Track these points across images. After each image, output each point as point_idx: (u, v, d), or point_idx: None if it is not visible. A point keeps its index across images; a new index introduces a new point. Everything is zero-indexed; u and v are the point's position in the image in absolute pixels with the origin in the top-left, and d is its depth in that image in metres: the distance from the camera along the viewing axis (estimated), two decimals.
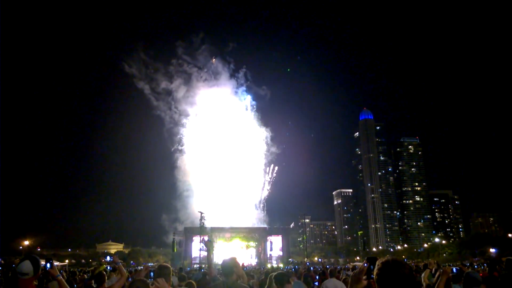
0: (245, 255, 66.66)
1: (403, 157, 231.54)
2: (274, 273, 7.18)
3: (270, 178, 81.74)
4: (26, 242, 74.08)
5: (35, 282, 4.29)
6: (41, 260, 4.16)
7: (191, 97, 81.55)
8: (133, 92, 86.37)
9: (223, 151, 79.68)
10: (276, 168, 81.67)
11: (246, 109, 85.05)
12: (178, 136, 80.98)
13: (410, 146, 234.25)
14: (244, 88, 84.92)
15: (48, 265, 4.49)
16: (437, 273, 5.89)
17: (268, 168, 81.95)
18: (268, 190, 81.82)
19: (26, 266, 3.90)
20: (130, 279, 7.47)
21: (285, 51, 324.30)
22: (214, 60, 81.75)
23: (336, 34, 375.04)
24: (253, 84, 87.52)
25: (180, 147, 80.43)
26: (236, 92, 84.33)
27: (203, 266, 43.01)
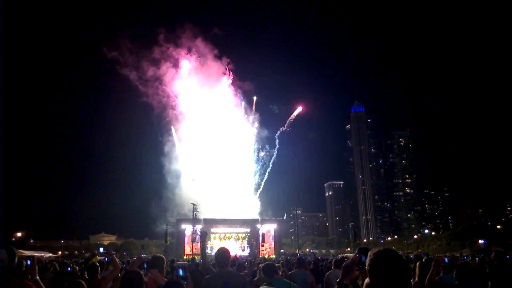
0: (237, 246, 67.08)
1: (393, 149, 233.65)
2: (262, 264, 7.21)
3: (265, 157, 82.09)
4: (19, 234, 73.57)
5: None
6: (18, 252, 4.18)
7: (179, 81, 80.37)
8: (119, 79, 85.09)
9: (213, 138, 79.25)
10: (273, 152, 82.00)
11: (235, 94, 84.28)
12: (167, 120, 79.87)
13: (400, 139, 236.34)
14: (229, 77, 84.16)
15: (29, 262, 4.50)
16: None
17: (260, 152, 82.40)
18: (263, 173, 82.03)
19: (1, 254, 3.98)
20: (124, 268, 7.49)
21: (275, 43, 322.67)
22: (199, 40, 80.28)
23: (327, 27, 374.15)
24: (238, 76, 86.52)
25: (169, 137, 79.70)
26: (222, 76, 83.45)
27: (196, 257, 43.15)
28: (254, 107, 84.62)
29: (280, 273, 7.34)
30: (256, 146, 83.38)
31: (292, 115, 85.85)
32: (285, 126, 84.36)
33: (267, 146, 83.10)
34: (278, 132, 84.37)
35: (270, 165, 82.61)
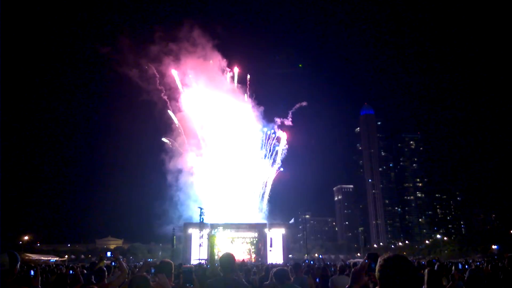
0: (245, 251, 66.89)
1: (404, 153, 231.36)
2: (274, 270, 7.16)
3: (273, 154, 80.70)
4: (26, 238, 74.44)
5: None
6: (25, 256, 4.22)
7: (179, 75, 78.49)
8: (120, 79, 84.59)
9: (218, 135, 77.88)
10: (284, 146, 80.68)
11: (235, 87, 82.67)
12: (169, 114, 78.11)
13: (411, 142, 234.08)
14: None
15: (32, 272, 4.53)
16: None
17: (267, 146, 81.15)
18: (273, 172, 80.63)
19: (3, 258, 4.00)
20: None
21: (282, 44, 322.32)
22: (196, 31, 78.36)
23: (336, 29, 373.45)
24: (241, 75, 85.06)
25: (171, 134, 78.07)
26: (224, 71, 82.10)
27: (203, 261, 43.13)
28: (248, 86, 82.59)
29: (292, 279, 7.28)
30: (262, 140, 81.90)
31: (295, 106, 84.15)
32: (288, 117, 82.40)
33: (277, 143, 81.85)
34: (279, 120, 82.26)
35: (280, 162, 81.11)
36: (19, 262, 4.16)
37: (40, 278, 4.71)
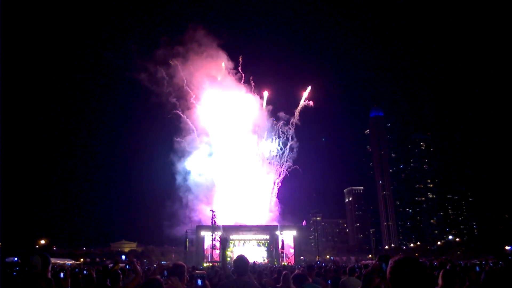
0: (256, 253, 66.78)
1: (414, 154, 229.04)
2: (293, 274, 7.24)
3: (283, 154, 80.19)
4: (42, 241, 75.73)
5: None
6: (52, 260, 4.33)
7: (187, 76, 78.61)
8: (127, 84, 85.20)
9: (228, 137, 77.70)
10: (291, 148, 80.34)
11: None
12: (178, 114, 77.97)
13: (421, 143, 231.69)
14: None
15: (62, 275, 4.69)
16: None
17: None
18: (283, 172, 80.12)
19: (36, 259, 4.14)
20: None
21: (291, 47, 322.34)
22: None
23: (345, 30, 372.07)
24: (249, 76, 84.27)
25: (180, 138, 78.06)
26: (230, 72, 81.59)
27: (216, 264, 43.21)
28: (265, 103, 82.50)
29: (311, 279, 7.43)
30: (272, 140, 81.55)
31: (303, 99, 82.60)
32: (295, 113, 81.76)
33: (287, 142, 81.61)
34: (283, 113, 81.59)
35: (290, 160, 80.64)
36: (51, 264, 4.30)
37: (70, 280, 4.88)
